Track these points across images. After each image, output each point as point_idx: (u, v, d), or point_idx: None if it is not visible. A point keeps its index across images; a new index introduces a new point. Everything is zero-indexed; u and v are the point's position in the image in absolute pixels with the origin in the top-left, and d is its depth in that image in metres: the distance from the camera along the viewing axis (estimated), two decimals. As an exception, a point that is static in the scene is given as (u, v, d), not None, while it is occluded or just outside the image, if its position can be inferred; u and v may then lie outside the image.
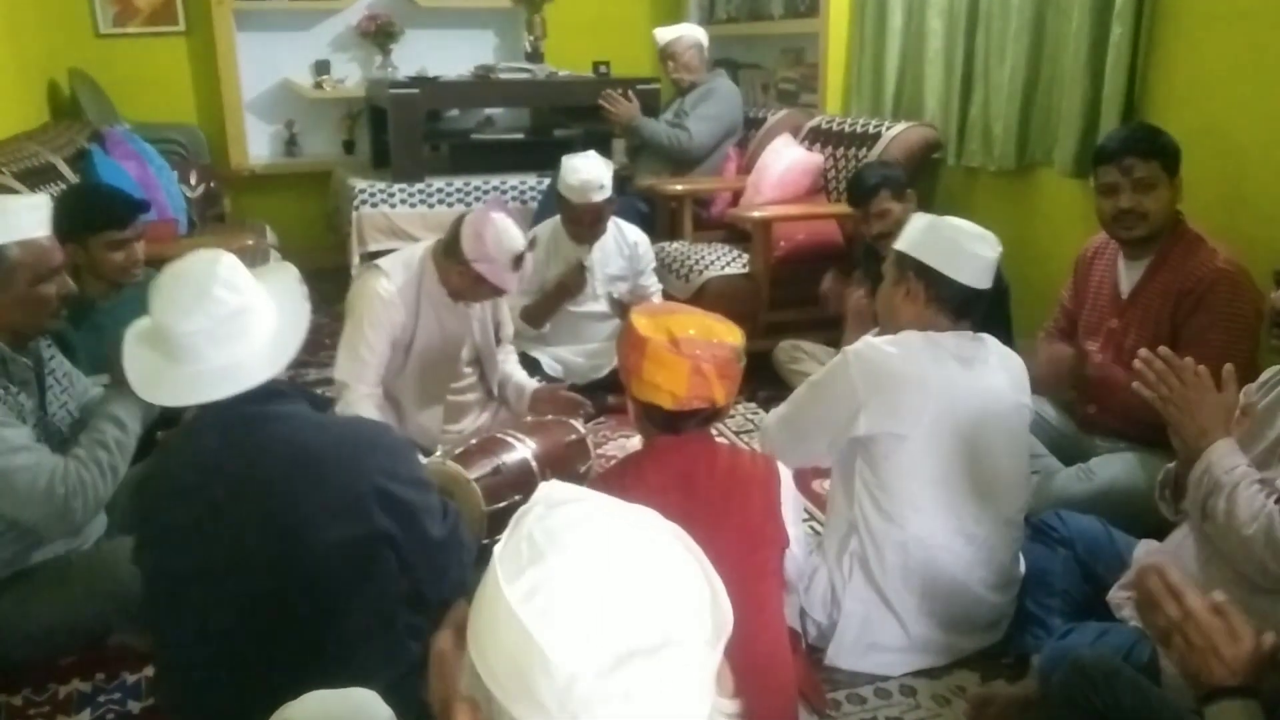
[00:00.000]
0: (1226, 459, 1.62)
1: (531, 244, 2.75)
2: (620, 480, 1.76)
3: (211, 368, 1.49)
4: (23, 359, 2.03)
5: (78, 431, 2.06)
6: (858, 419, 2.01)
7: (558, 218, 3.57)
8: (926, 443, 2.02)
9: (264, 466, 1.51)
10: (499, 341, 3.05)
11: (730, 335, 1.72)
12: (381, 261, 2.78)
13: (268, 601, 1.52)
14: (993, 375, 2.10)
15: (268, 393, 1.53)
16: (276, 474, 1.51)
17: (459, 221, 2.69)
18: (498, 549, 0.76)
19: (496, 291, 2.73)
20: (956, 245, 2.06)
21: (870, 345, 2.09)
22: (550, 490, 0.83)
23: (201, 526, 1.52)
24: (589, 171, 3.36)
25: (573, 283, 3.48)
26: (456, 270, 2.66)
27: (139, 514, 1.66)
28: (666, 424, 1.74)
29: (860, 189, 3.22)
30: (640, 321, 1.71)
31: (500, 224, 2.64)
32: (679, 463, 1.73)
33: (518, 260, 2.66)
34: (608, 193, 3.41)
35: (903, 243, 2.15)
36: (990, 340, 2.16)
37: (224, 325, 1.48)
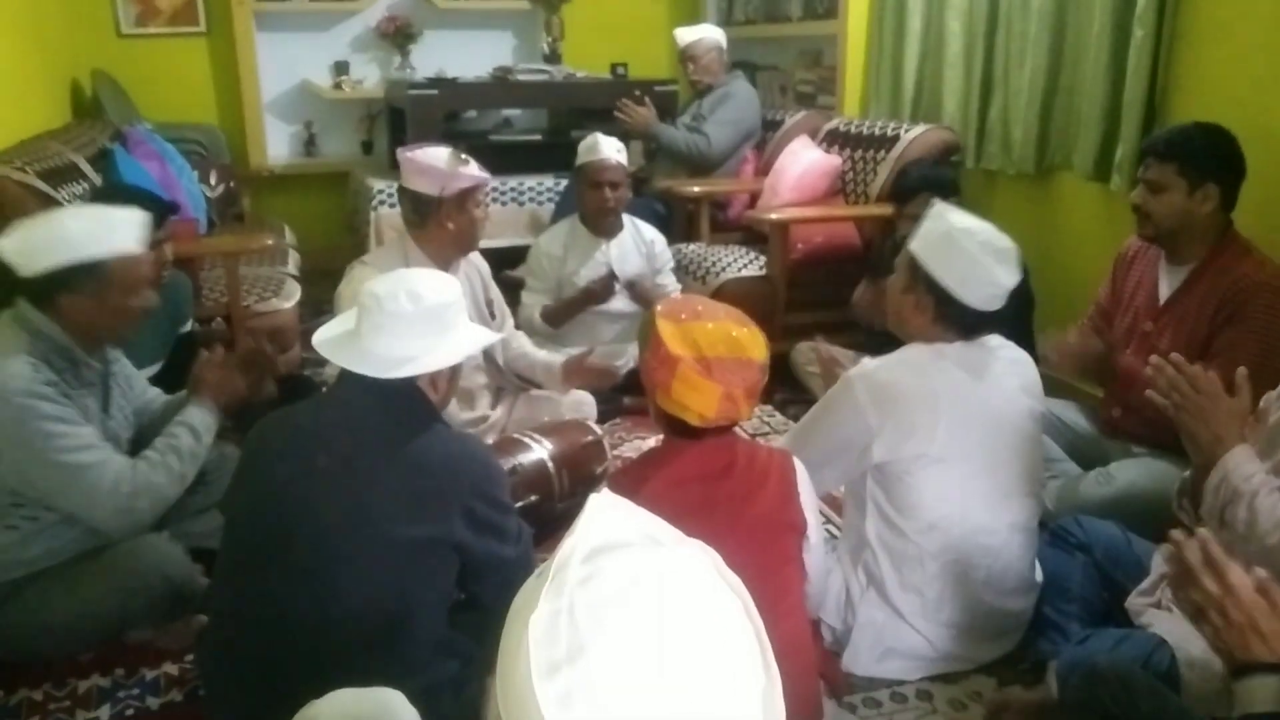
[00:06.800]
0: (1244, 466, 1.60)
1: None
2: (640, 473, 1.77)
3: (372, 347, 1.66)
4: (93, 362, 2.09)
5: (149, 435, 2.13)
6: (872, 448, 1.96)
7: (574, 215, 3.61)
8: (941, 459, 1.97)
9: (369, 452, 1.65)
10: (493, 317, 3.05)
11: (756, 349, 1.69)
12: (364, 257, 2.93)
13: (332, 582, 1.59)
14: (1003, 381, 2.04)
15: (403, 395, 1.69)
16: (378, 462, 1.64)
17: (401, 193, 2.81)
18: (533, 616, 0.69)
19: (473, 215, 2.78)
20: (974, 266, 1.93)
21: (873, 366, 2.01)
22: (596, 523, 0.75)
23: (293, 487, 1.63)
24: (602, 138, 3.49)
25: (601, 290, 3.48)
26: (445, 216, 2.73)
27: (242, 460, 1.78)
28: (687, 433, 1.74)
29: (901, 187, 3.16)
30: (666, 330, 1.66)
31: (416, 152, 2.75)
32: (699, 457, 1.74)
33: (457, 157, 2.73)
34: (623, 158, 3.47)
35: (918, 245, 2.01)
36: (998, 343, 2.08)
37: (402, 320, 1.65)
